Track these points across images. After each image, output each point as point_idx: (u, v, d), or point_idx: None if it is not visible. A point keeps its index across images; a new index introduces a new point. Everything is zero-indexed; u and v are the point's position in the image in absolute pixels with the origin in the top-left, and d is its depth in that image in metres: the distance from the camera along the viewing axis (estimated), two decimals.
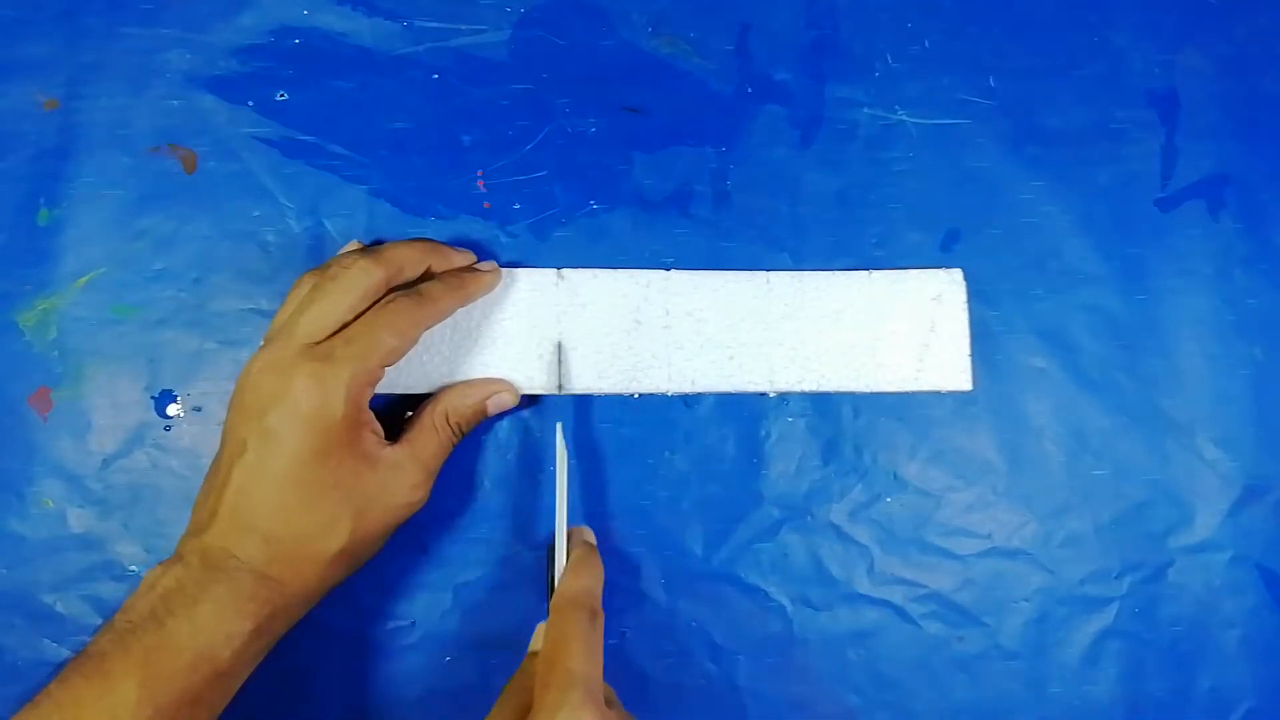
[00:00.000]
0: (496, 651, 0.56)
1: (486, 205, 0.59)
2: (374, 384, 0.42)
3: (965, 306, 0.59)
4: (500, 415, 0.54)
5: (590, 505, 0.57)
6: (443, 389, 0.50)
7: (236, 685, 0.41)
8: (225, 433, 0.44)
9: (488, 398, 0.50)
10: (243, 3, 0.60)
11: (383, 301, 0.43)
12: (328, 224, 0.58)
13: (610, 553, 0.57)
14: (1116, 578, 0.60)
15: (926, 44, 0.63)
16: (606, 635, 0.56)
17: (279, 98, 0.59)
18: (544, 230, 0.59)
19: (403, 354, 0.43)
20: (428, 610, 0.56)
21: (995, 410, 0.60)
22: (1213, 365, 0.62)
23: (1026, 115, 0.63)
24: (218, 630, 0.39)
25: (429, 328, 0.45)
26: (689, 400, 0.59)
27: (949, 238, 0.62)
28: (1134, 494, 0.60)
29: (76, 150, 0.58)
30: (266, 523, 0.40)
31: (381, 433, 0.44)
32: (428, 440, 0.46)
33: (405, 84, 0.60)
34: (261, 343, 0.45)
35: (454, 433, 0.48)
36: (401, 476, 0.44)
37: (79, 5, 0.59)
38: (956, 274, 0.59)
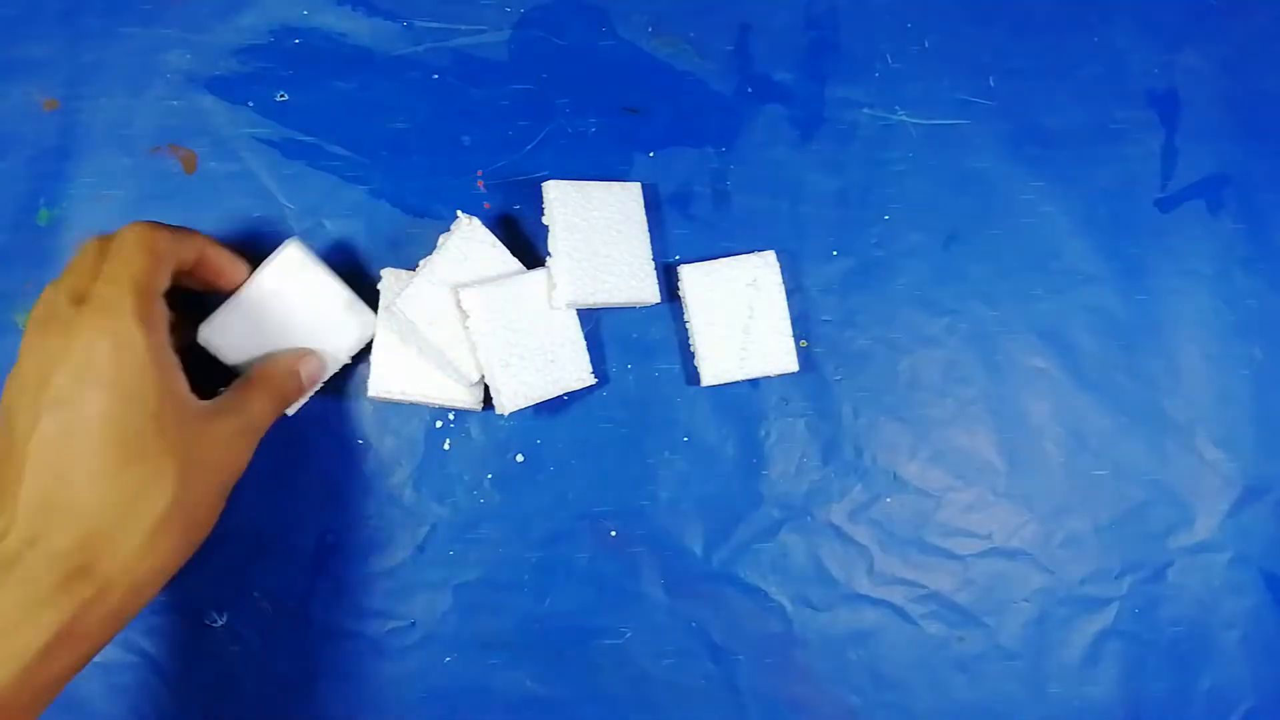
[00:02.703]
0: (496, 651, 0.56)
1: (486, 205, 0.59)
2: (160, 319, 0.38)
3: (781, 288, 0.58)
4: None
5: (591, 505, 0.57)
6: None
7: (39, 709, 0.34)
8: (5, 415, 0.36)
9: (297, 360, 0.47)
10: (243, 3, 0.60)
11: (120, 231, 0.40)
12: (328, 225, 0.58)
13: (611, 553, 0.57)
14: (1116, 578, 0.60)
15: (926, 44, 0.63)
16: (607, 635, 0.57)
17: (279, 98, 0.59)
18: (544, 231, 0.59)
19: (164, 273, 0.40)
20: (428, 610, 0.56)
21: (995, 410, 0.60)
22: (1213, 365, 0.62)
23: (1026, 115, 0.63)
24: None
25: (176, 251, 0.42)
26: (689, 400, 0.59)
27: (949, 238, 0.62)
28: (1134, 494, 0.60)
29: (76, 150, 0.58)
30: (81, 494, 0.34)
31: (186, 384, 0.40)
32: (247, 395, 0.44)
33: (405, 84, 0.60)
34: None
35: (272, 393, 0.45)
36: (222, 425, 0.40)
37: (79, 5, 0.59)
38: (770, 256, 0.58)
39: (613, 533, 0.57)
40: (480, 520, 0.57)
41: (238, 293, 0.48)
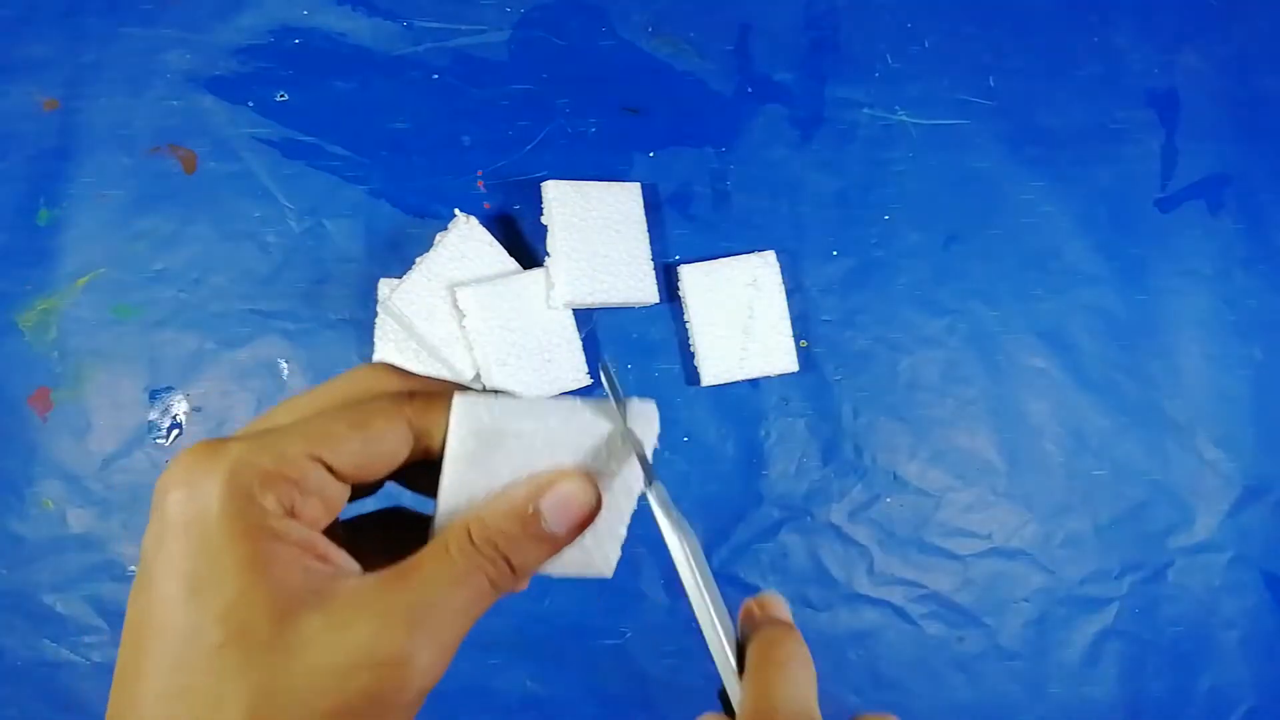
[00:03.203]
0: (496, 651, 0.56)
1: (486, 205, 0.59)
2: (295, 480, 0.24)
3: (781, 288, 0.58)
4: None
5: None
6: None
7: None
8: None
9: (539, 492, 0.27)
10: (243, 3, 0.60)
11: None
12: (328, 224, 0.58)
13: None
14: (1116, 578, 0.60)
15: (926, 44, 0.63)
16: (607, 635, 0.57)
17: (279, 98, 0.59)
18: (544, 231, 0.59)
19: (362, 454, 0.25)
20: None
21: (995, 410, 0.60)
22: (1213, 365, 0.62)
23: (1026, 115, 0.63)
24: None
25: (415, 426, 0.26)
26: (689, 400, 0.58)
27: (949, 238, 0.61)
28: (1134, 494, 0.60)
29: (76, 150, 0.58)
30: (127, 710, 0.24)
31: (342, 560, 0.25)
32: (435, 571, 0.25)
33: (405, 84, 0.60)
34: None
35: (486, 560, 0.26)
36: (368, 624, 0.23)
37: (79, 5, 0.59)
38: (770, 256, 0.59)
39: None
40: None
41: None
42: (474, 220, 0.54)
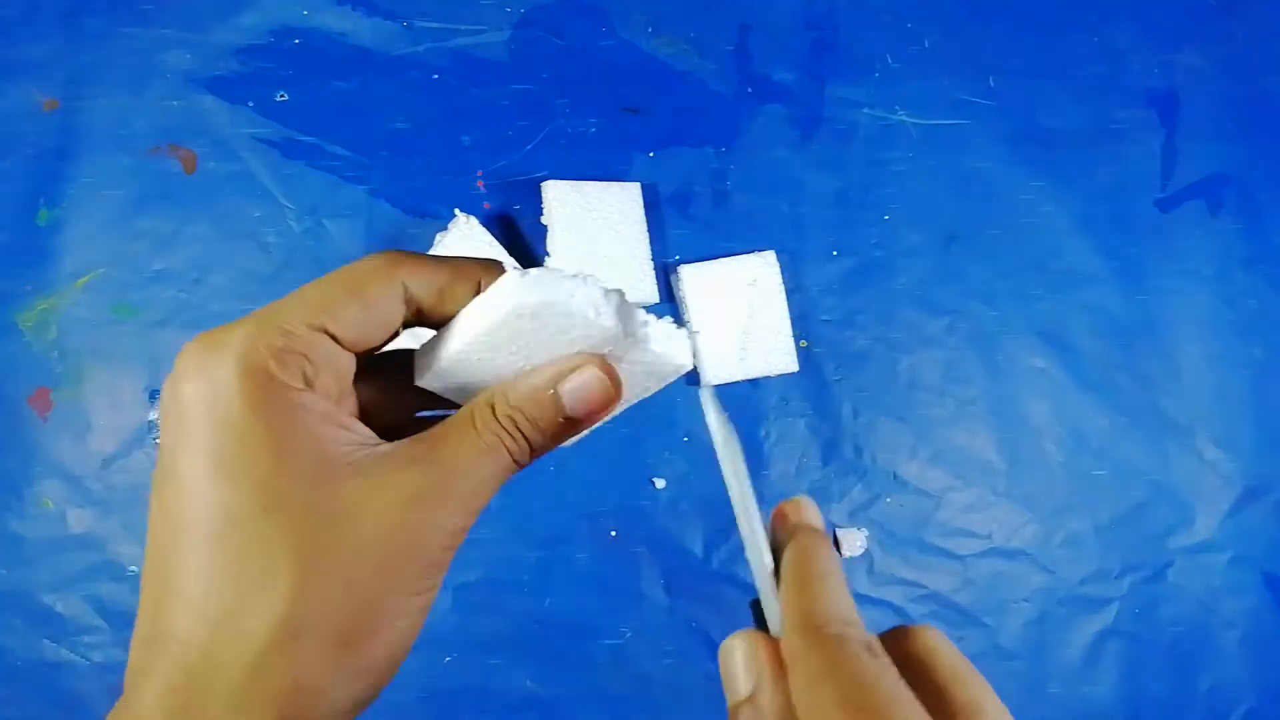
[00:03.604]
0: (496, 651, 0.56)
1: (486, 205, 0.59)
2: (304, 352, 0.24)
3: (781, 288, 0.58)
4: None
5: (591, 505, 0.57)
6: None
7: None
8: None
9: (560, 377, 0.27)
10: (243, 3, 0.60)
11: None
12: (328, 224, 0.58)
13: (611, 553, 0.57)
14: (1116, 578, 0.60)
15: (926, 44, 0.63)
16: (607, 635, 0.57)
17: (279, 98, 0.59)
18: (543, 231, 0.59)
19: (361, 320, 0.26)
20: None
21: (995, 410, 0.60)
22: (1213, 365, 0.62)
23: (1026, 115, 0.63)
24: None
25: (411, 289, 0.26)
26: (689, 400, 0.58)
27: (949, 238, 0.61)
28: (1134, 494, 0.60)
29: (76, 150, 0.58)
30: (177, 608, 0.23)
31: (362, 430, 0.26)
32: (443, 436, 0.26)
33: (405, 84, 0.60)
34: None
35: (508, 434, 0.27)
36: (388, 487, 0.24)
37: (79, 5, 0.59)
38: (770, 256, 0.59)
39: (613, 533, 0.57)
40: (480, 520, 0.56)
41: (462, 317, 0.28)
42: (474, 220, 0.54)
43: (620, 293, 0.27)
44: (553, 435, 0.28)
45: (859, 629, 0.24)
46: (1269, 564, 0.60)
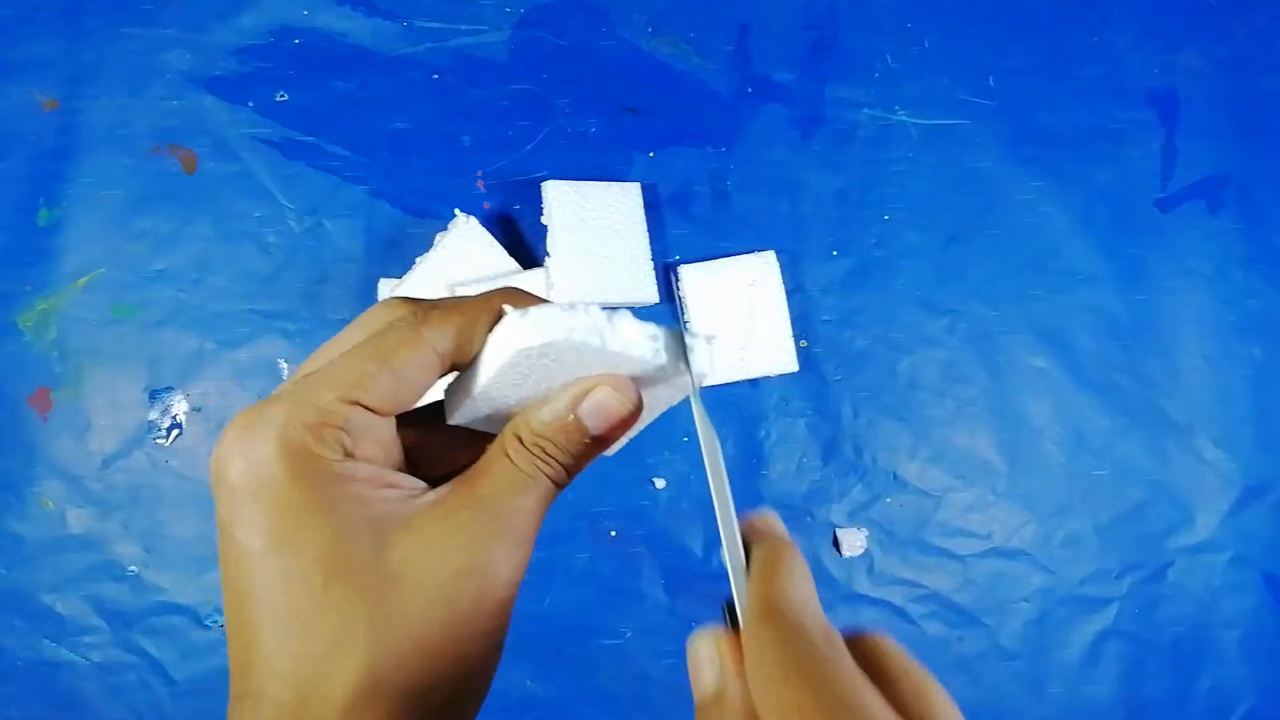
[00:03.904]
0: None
1: (486, 205, 0.59)
2: (340, 426, 0.25)
3: (781, 288, 0.58)
4: None
5: (591, 505, 0.57)
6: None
7: None
8: None
9: (577, 400, 0.28)
10: (243, 3, 0.60)
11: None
12: (328, 224, 0.58)
13: (611, 553, 0.57)
14: (1116, 578, 0.60)
15: (926, 44, 0.63)
16: (607, 635, 0.57)
17: (279, 98, 0.59)
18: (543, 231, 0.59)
19: (393, 389, 0.26)
20: None
21: (995, 410, 0.60)
22: (1213, 365, 0.62)
23: (1026, 115, 0.63)
24: None
25: (438, 349, 0.26)
26: (689, 400, 0.58)
27: (949, 238, 0.62)
28: (1134, 494, 0.60)
29: (76, 150, 0.58)
30: (265, 678, 0.25)
31: (409, 482, 0.27)
32: (500, 478, 0.27)
33: (405, 84, 0.60)
34: None
35: (539, 460, 0.28)
36: (443, 532, 0.26)
37: (79, 5, 0.59)
38: (770, 256, 0.59)
39: (613, 533, 0.57)
40: None
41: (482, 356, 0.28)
42: (474, 220, 0.54)
43: (626, 314, 0.27)
44: (582, 455, 0.28)
45: (819, 618, 0.25)
46: (1269, 564, 0.60)
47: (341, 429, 0.25)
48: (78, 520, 0.55)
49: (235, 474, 0.25)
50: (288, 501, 0.25)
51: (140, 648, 0.54)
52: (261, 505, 0.25)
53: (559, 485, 0.28)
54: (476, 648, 0.26)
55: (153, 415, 0.56)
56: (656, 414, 0.30)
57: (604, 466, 0.58)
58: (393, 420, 0.27)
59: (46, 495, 0.55)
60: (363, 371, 0.26)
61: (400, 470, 0.27)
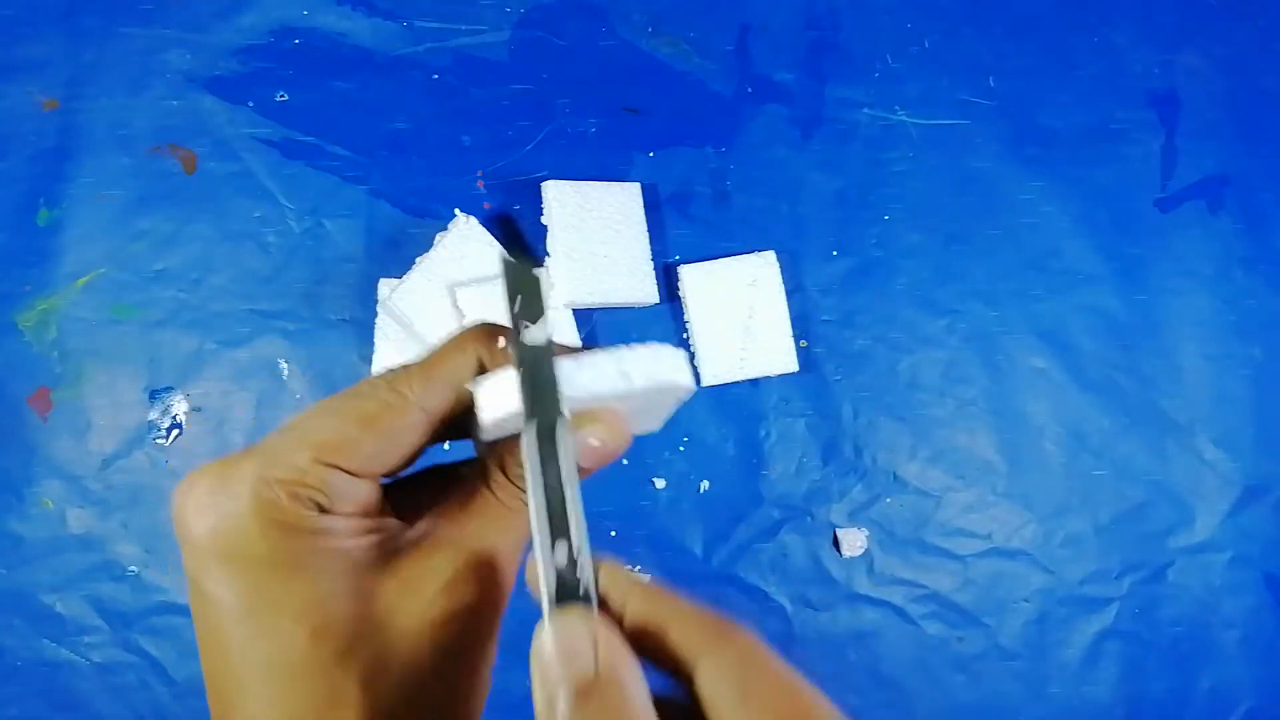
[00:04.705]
0: (496, 652, 0.56)
1: (486, 205, 0.59)
2: (319, 485, 0.24)
3: (781, 288, 0.58)
4: None
5: (591, 505, 0.57)
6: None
7: None
8: None
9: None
10: (243, 3, 0.60)
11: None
12: (328, 224, 0.58)
13: (610, 553, 0.57)
14: (1116, 578, 0.60)
15: (926, 44, 0.63)
16: None
17: (279, 98, 0.59)
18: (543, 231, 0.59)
19: (378, 452, 0.25)
20: None
21: (995, 410, 0.60)
22: (1213, 365, 0.62)
23: (1026, 115, 0.63)
24: None
25: (425, 407, 0.25)
26: (689, 400, 0.59)
27: (949, 238, 0.61)
28: (1134, 494, 0.60)
29: (76, 150, 0.58)
30: None
31: (390, 525, 0.26)
32: (482, 513, 0.26)
33: (405, 84, 0.60)
34: None
35: (524, 492, 0.26)
36: (439, 577, 0.25)
37: (79, 5, 0.59)
38: (770, 256, 0.59)
39: (613, 533, 0.57)
40: None
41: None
42: (474, 220, 0.54)
43: (589, 352, 0.26)
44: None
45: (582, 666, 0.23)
46: (1269, 564, 0.60)
47: (317, 489, 0.24)
48: (78, 520, 0.55)
49: (205, 529, 0.24)
50: (263, 559, 0.23)
51: (140, 648, 0.54)
52: (235, 563, 0.24)
53: None
54: (468, 683, 0.25)
55: (153, 415, 0.56)
56: (663, 419, 0.29)
57: (604, 467, 0.58)
58: (375, 484, 0.25)
59: (46, 495, 0.55)
60: (344, 435, 0.24)
61: (378, 511, 0.26)
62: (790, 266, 0.60)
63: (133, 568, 0.55)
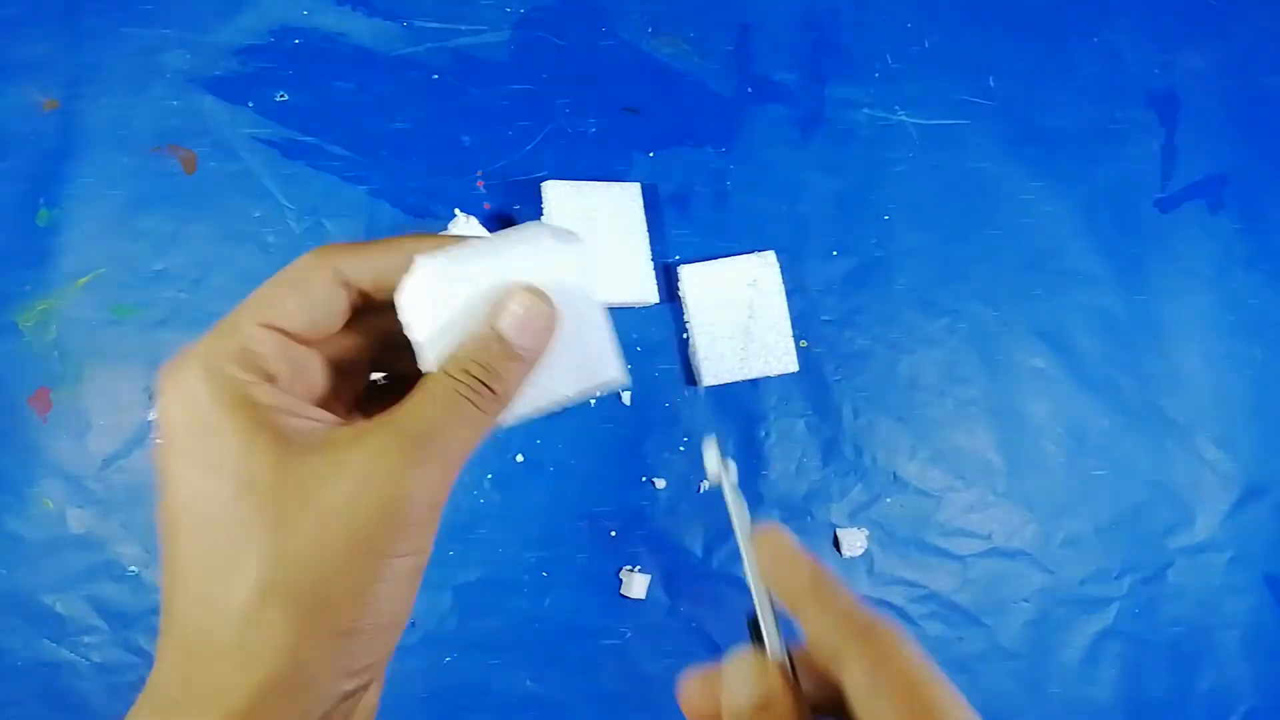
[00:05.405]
0: (496, 651, 0.56)
1: (486, 205, 0.59)
2: (259, 351, 0.27)
3: (781, 288, 0.58)
4: None
5: (591, 505, 0.57)
6: None
7: None
8: None
9: (495, 317, 0.28)
10: (243, 3, 0.60)
11: None
12: (328, 224, 0.58)
13: (611, 553, 0.57)
14: (1116, 578, 0.60)
15: (926, 44, 0.63)
16: (606, 635, 0.57)
17: (279, 98, 0.59)
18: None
19: (303, 310, 0.28)
20: (428, 610, 0.56)
21: (995, 410, 0.60)
22: (1213, 365, 0.62)
23: (1026, 115, 0.63)
24: None
25: (345, 273, 0.29)
26: (689, 400, 0.59)
27: (949, 238, 0.61)
28: (1134, 494, 0.60)
29: (76, 150, 0.58)
30: (177, 597, 0.26)
31: (326, 416, 0.28)
32: (419, 405, 0.27)
33: (405, 84, 0.60)
34: None
35: (459, 383, 0.27)
36: (356, 452, 0.26)
37: (79, 5, 0.59)
38: (770, 256, 0.58)
39: (613, 533, 0.57)
40: (480, 520, 0.57)
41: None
42: (474, 220, 0.54)
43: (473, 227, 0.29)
44: (507, 373, 0.28)
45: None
46: (1269, 564, 0.60)
47: (260, 353, 0.27)
48: (78, 520, 0.55)
49: (165, 405, 0.26)
50: (207, 422, 0.26)
51: (140, 648, 0.54)
52: (185, 431, 0.26)
53: (485, 413, 0.28)
54: (384, 568, 0.25)
55: (153, 415, 0.56)
56: (553, 406, 0.30)
57: (604, 467, 0.58)
58: (318, 357, 0.29)
59: (46, 495, 0.55)
60: (275, 296, 0.28)
61: (329, 399, 0.29)
62: (790, 266, 0.60)
63: (133, 568, 0.55)
